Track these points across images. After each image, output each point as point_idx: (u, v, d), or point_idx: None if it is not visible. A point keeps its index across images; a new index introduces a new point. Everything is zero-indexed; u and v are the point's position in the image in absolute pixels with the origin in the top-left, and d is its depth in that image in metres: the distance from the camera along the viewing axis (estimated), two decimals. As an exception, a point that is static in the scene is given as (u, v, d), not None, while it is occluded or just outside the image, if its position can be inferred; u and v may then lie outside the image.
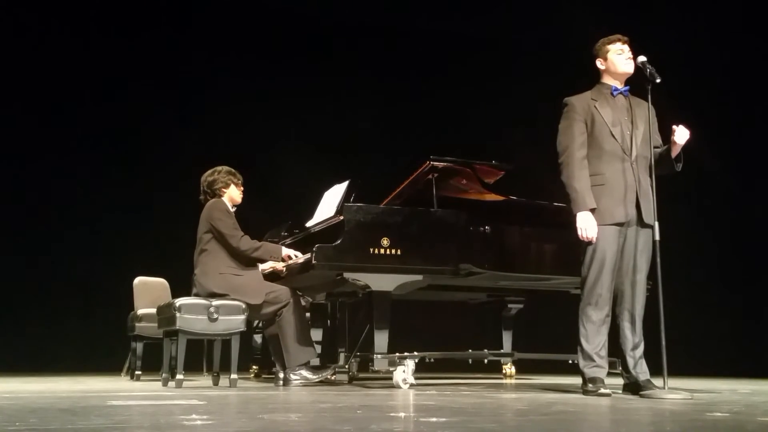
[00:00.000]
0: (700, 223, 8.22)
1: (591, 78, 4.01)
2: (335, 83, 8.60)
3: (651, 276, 3.83)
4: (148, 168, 8.28)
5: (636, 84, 3.91)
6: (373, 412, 2.63)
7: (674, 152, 3.84)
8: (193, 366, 5.96)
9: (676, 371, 4.02)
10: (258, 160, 6.71)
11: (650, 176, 3.79)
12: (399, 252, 4.49)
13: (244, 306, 4.54)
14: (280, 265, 4.91)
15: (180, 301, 4.49)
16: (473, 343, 5.59)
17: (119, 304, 6.49)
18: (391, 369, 4.40)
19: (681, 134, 3.79)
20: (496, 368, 6.34)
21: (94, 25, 8.43)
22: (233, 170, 4.97)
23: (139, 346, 5.90)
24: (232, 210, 4.88)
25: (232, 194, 4.91)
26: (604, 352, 3.79)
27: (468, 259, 4.67)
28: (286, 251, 4.80)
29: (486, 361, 5.75)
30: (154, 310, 5.18)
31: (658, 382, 3.65)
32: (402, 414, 2.59)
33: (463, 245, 4.67)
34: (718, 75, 8.53)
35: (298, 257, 4.74)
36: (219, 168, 4.96)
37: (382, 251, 4.46)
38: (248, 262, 4.78)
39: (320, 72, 8.68)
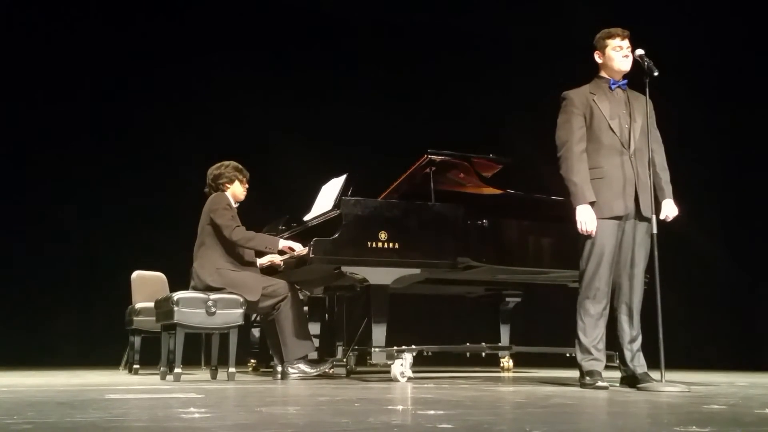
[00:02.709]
0: (698, 215, 8.22)
1: (590, 71, 4.00)
2: (333, 76, 8.59)
3: (648, 269, 3.83)
4: (145, 162, 8.26)
5: (634, 77, 3.90)
6: (371, 405, 2.63)
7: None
8: (191, 360, 5.96)
9: (674, 364, 4.03)
10: (255, 154, 6.68)
11: (649, 169, 3.79)
12: (397, 246, 4.49)
13: (242, 300, 4.54)
14: (278, 259, 4.90)
15: (178, 295, 4.48)
16: (471, 337, 5.60)
17: (117, 298, 6.48)
18: (389, 362, 4.41)
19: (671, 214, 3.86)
20: (493, 362, 6.35)
21: (91, 18, 8.39)
22: (240, 167, 4.94)
23: (137, 340, 5.89)
24: (235, 206, 4.87)
25: (236, 191, 4.90)
26: (601, 346, 3.79)
27: (466, 253, 4.67)
28: (284, 243, 4.77)
29: (484, 354, 5.77)
30: (152, 304, 5.18)
31: (655, 375, 3.66)
32: (400, 407, 2.59)
33: (461, 239, 4.66)
34: (717, 67, 8.54)
35: (297, 249, 4.71)
36: (227, 163, 4.93)
37: (380, 245, 4.46)
38: (247, 258, 4.76)
39: (318, 65, 8.67)
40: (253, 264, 4.83)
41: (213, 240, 4.71)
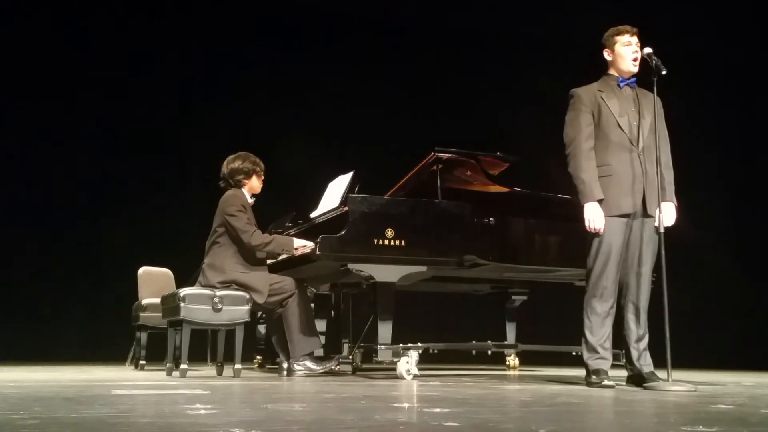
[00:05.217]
0: (706, 215, 8.20)
1: (598, 68, 3.99)
2: (339, 74, 8.58)
3: (656, 268, 3.82)
4: (152, 158, 8.28)
5: (642, 76, 3.89)
6: (377, 403, 2.63)
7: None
8: (197, 356, 5.97)
9: (680, 363, 4.02)
10: (262, 151, 6.68)
11: (657, 167, 3.77)
12: (403, 243, 4.49)
13: (248, 296, 4.54)
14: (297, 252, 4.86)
15: (184, 291, 4.48)
16: (477, 335, 5.60)
17: (123, 294, 6.50)
18: (394, 360, 4.40)
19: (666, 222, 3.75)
20: (499, 360, 6.35)
21: (97, 14, 8.41)
22: (257, 160, 4.85)
23: (143, 336, 5.91)
24: (251, 200, 4.83)
25: (253, 185, 4.85)
26: (608, 344, 3.79)
27: (472, 251, 4.66)
28: (297, 242, 4.72)
29: (490, 352, 5.76)
30: (158, 300, 5.19)
31: (662, 374, 3.65)
32: (405, 404, 2.59)
33: (468, 236, 4.66)
34: (724, 64, 8.51)
35: (308, 246, 4.68)
36: (243, 155, 4.85)
37: (387, 242, 4.45)
38: (258, 260, 4.73)
39: (324, 62, 8.66)
40: (262, 264, 4.79)
41: (226, 240, 4.68)
